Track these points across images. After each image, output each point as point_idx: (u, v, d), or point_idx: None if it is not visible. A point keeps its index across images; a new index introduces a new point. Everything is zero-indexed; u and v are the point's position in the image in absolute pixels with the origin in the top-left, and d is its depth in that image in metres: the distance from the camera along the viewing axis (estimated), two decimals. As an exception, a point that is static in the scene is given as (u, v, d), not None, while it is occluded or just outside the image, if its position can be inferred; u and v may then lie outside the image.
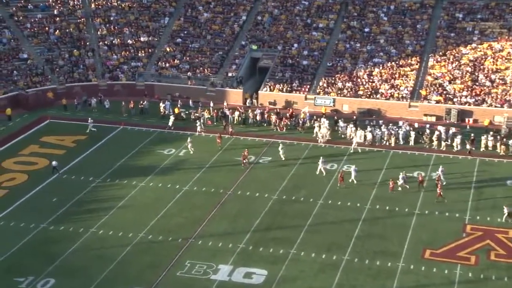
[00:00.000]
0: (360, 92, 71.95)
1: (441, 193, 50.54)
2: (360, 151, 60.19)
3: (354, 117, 66.62)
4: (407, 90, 71.44)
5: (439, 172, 53.36)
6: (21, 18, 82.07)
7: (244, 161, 57.19)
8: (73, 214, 49.17)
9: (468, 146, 59.41)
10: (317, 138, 61.54)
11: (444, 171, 53.81)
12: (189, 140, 61.14)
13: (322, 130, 62.61)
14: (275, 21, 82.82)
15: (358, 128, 62.83)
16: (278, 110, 69.55)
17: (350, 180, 53.75)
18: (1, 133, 64.93)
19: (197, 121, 65.45)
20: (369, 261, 43.25)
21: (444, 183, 52.38)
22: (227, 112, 68.40)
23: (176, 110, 68.98)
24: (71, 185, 54.05)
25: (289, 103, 71.56)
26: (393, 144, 61.59)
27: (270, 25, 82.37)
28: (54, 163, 56.03)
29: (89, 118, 66.05)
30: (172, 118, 65.99)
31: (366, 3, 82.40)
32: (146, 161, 58.60)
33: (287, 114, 67.81)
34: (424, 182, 52.31)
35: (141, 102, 70.90)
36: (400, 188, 52.23)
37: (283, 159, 58.30)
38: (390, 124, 63.94)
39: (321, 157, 56.51)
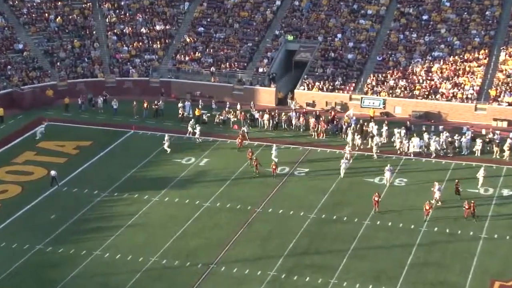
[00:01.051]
0: (416, 92, 71.61)
1: (474, 210, 50.09)
2: (376, 157, 60.42)
3: (408, 122, 66.23)
4: (473, 89, 70.92)
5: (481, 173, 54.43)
6: (16, 2, 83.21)
7: (257, 166, 57.57)
8: (74, 234, 49.57)
9: None
10: (346, 150, 60.47)
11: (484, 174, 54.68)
12: (166, 138, 62.03)
13: (375, 138, 62.16)
14: (315, 7, 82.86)
15: (414, 135, 62.50)
16: (318, 113, 69.54)
17: (386, 183, 54.81)
18: (-8, 137, 65.98)
19: (196, 125, 65.46)
20: (425, 294, 43.01)
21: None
22: (256, 115, 68.56)
23: (197, 112, 69.36)
24: (73, 199, 54.52)
25: (346, 107, 71.22)
26: (451, 155, 61.14)
27: (309, 12, 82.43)
28: (53, 173, 56.58)
29: (43, 121, 66.75)
30: (192, 123, 66.17)
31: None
32: (161, 172, 58.94)
33: (329, 118, 67.77)
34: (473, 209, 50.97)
35: (156, 102, 71.38)
36: (438, 203, 52.25)
37: (275, 161, 58.76)
38: (445, 131, 63.38)
39: (345, 157, 57.86)
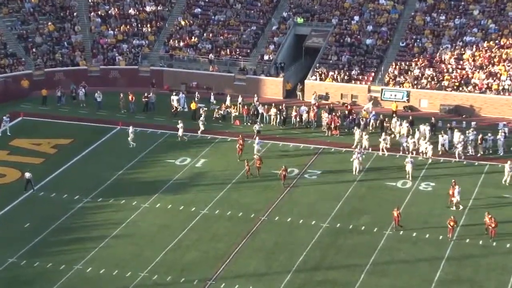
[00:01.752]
0: (445, 83, 71.52)
1: (492, 228, 49.05)
2: (387, 155, 60.91)
3: (433, 118, 66.04)
4: (511, 80, 70.83)
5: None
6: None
7: (249, 169, 57.63)
8: (51, 246, 49.54)
9: None
10: (357, 148, 60.50)
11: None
12: (130, 130, 62.84)
13: (401, 140, 62.04)
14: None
15: (442, 133, 62.48)
16: (332, 106, 69.48)
17: (408, 177, 55.66)
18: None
19: (200, 118, 65.64)
20: (455, 316, 43.11)
21: None
22: (261, 110, 68.40)
23: (193, 106, 69.34)
24: (50, 205, 54.49)
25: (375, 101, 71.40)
26: (482, 153, 61.18)
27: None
28: (27, 175, 56.52)
29: (6, 115, 66.89)
30: (202, 118, 65.92)
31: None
32: (151, 174, 58.99)
33: (345, 112, 67.77)
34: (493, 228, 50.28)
35: (146, 95, 71.42)
36: (459, 207, 52.45)
37: (257, 157, 59.26)
38: (472, 129, 63.37)
39: (358, 149, 58.73)
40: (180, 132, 64.41)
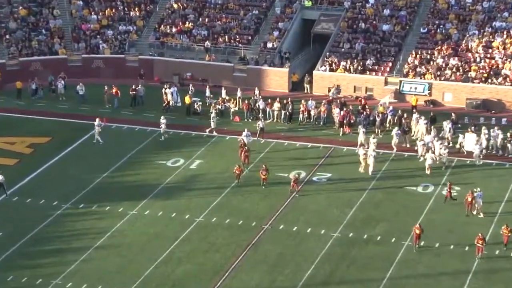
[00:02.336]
0: (472, 74, 71.51)
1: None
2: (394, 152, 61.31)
3: (453, 114, 65.95)
4: (546, 71, 71.00)
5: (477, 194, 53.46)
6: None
7: (240, 173, 57.61)
8: (27, 257, 49.56)
9: None
10: (366, 156, 60.07)
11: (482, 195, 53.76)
12: (96, 123, 63.38)
13: (423, 138, 62.13)
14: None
15: (469, 131, 62.52)
16: (344, 101, 69.47)
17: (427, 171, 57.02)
18: None
19: (212, 115, 65.96)
20: (483, 337, 43.13)
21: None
22: (262, 105, 68.32)
23: (187, 100, 69.35)
24: (25, 212, 54.48)
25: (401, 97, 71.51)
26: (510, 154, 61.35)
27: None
28: (-1, 178, 56.83)
29: None
30: (213, 115, 65.88)
31: None
32: (140, 177, 59.05)
33: (359, 107, 67.80)
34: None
35: (134, 87, 71.46)
36: (480, 214, 52.64)
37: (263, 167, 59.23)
38: (496, 127, 63.35)
39: (370, 145, 59.23)
40: (162, 129, 64.47)
